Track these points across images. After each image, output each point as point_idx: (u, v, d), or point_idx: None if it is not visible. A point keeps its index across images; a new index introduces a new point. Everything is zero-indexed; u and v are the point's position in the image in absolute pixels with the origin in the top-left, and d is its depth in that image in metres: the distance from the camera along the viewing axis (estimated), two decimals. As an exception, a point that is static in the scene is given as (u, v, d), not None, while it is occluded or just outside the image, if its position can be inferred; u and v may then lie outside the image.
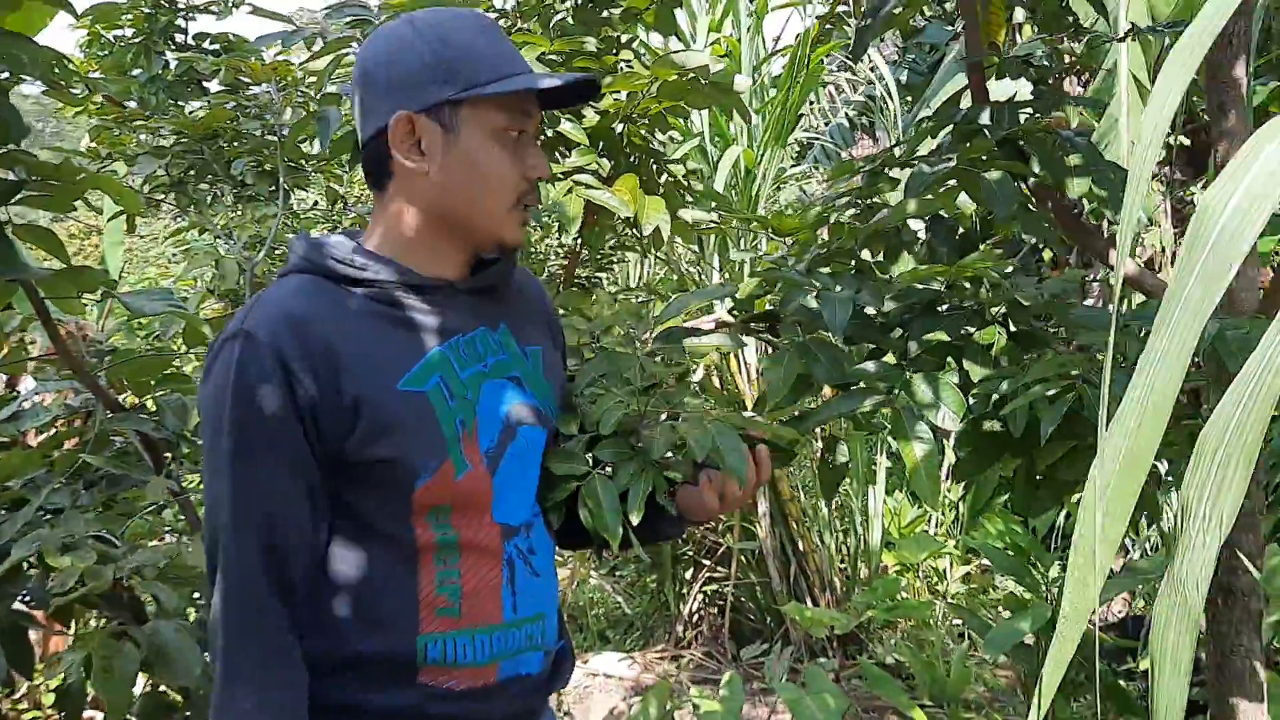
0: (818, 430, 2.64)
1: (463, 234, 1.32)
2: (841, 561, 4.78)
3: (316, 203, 3.58)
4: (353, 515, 1.26)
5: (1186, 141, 4.93)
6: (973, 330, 1.56)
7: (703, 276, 4.47)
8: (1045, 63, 1.89)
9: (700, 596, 4.83)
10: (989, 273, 1.52)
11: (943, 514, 5.22)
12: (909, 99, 6.21)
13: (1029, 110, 1.90)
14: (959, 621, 4.53)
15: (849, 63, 7.37)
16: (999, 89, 4.33)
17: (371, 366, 1.24)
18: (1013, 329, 1.55)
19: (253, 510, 1.21)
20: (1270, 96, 5.07)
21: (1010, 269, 1.55)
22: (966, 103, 1.96)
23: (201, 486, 1.28)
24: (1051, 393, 1.39)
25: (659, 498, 1.37)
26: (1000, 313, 1.56)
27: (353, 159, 1.81)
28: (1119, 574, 3.24)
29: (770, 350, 1.71)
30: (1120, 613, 4.03)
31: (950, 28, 7.00)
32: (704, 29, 4.12)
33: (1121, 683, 3.49)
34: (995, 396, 1.50)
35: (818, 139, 7.42)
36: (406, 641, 1.26)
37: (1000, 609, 4.77)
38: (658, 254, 4.25)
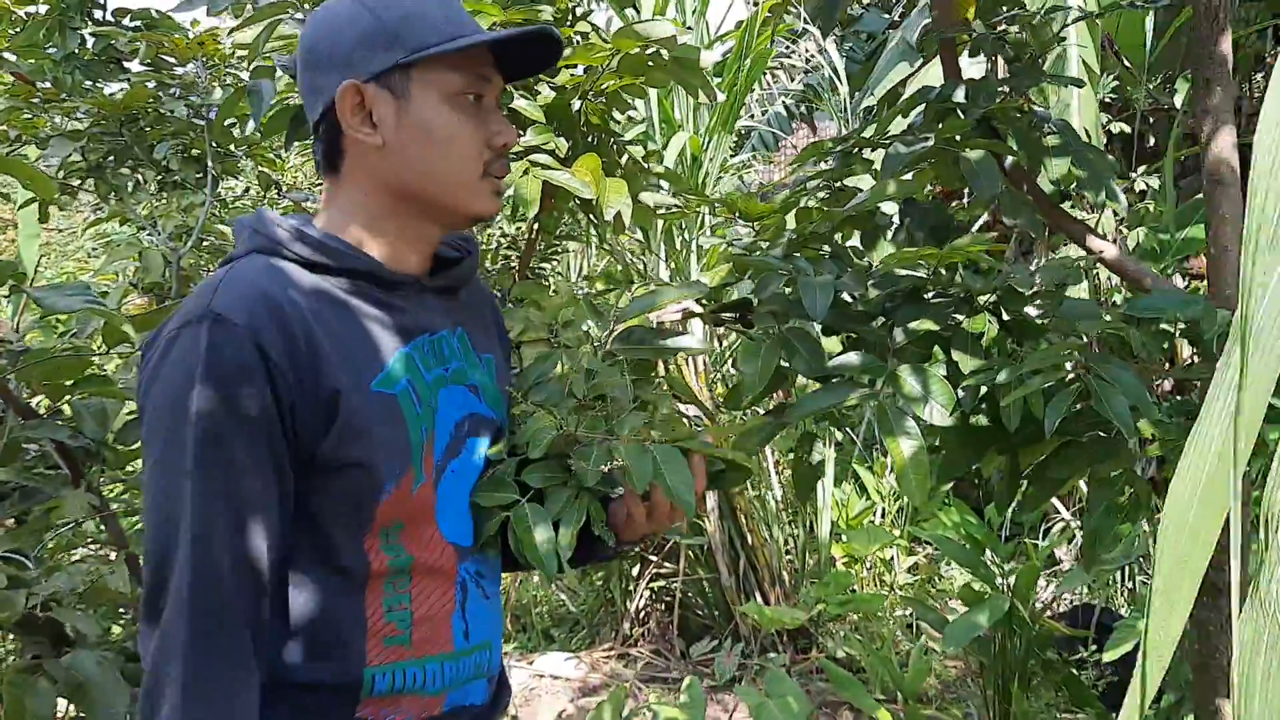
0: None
1: (429, 211, 1.23)
2: (789, 554, 4.73)
3: (248, 189, 3.40)
4: (310, 530, 1.14)
5: (1125, 128, 4.95)
6: (960, 319, 1.47)
7: (648, 266, 4.37)
8: (1021, 39, 1.81)
9: (647, 593, 4.75)
10: (981, 257, 1.43)
11: (888, 505, 5.20)
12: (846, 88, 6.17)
13: (1003, 89, 1.82)
14: (906, 612, 4.50)
15: (786, 51, 7.33)
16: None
17: (348, 361, 1.14)
18: (1005, 318, 1.47)
19: (223, 517, 1.05)
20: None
21: (1005, 252, 1.46)
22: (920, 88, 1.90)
23: (136, 494, 1.13)
24: (1048, 385, 1.31)
25: (594, 528, 1.26)
26: (990, 300, 1.47)
27: (288, 138, 1.67)
28: (1078, 565, 3.22)
29: (742, 342, 1.61)
30: (1071, 601, 4.03)
31: (887, 16, 6.99)
32: (649, 12, 4.02)
33: (1074, 672, 3.49)
34: (984, 390, 1.41)
35: (755, 127, 7.37)
36: (353, 673, 1.15)
37: (948, 599, 4.76)
38: (602, 244, 4.14)
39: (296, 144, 1.99)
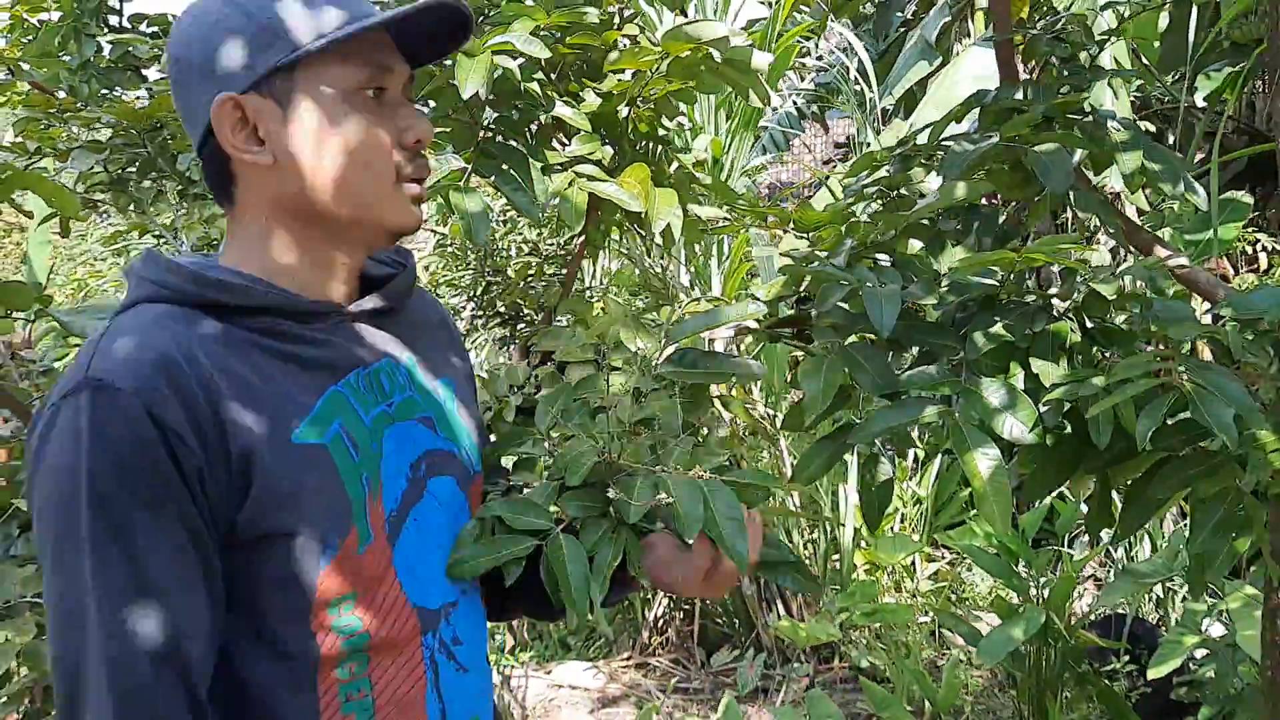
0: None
1: (341, 231, 1.07)
2: (809, 559, 4.66)
3: None
4: (245, 615, 0.99)
5: (1151, 128, 4.89)
6: (1038, 330, 1.39)
7: (666, 271, 4.31)
8: (1076, 38, 1.74)
9: (666, 601, 4.69)
10: (1065, 259, 1.35)
11: (909, 510, 5.14)
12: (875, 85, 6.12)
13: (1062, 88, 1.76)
14: (926, 619, 4.44)
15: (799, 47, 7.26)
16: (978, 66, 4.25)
17: (261, 416, 0.98)
18: (1088, 324, 1.39)
19: (135, 614, 0.90)
20: (1225, 83, 5.06)
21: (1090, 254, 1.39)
22: (941, 89, 1.83)
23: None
24: (1140, 394, 1.24)
25: (631, 569, 1.14)
26: (1071, 307, 1.40)
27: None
28: (1119, 577, 3.16)
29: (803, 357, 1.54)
30: (1102, 611, 3.97)
31: (900, 14, 6.92)
32: (668, 11, 3.96)
33: (1109, 683, 3.43)
34: (1068, 404, 1.34)
35: (767, 126, 7.30)
36: None
37: (971, 607, 4.69)
38: (619, 248, 4.07)
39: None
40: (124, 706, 0.90)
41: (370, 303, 1.12)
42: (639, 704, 4.22)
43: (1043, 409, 1.34)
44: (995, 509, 1.33)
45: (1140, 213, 4.22)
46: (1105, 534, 4.40)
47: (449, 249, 3.70)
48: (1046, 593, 3.42)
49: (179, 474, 0.93)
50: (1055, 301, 1.43)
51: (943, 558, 5.15)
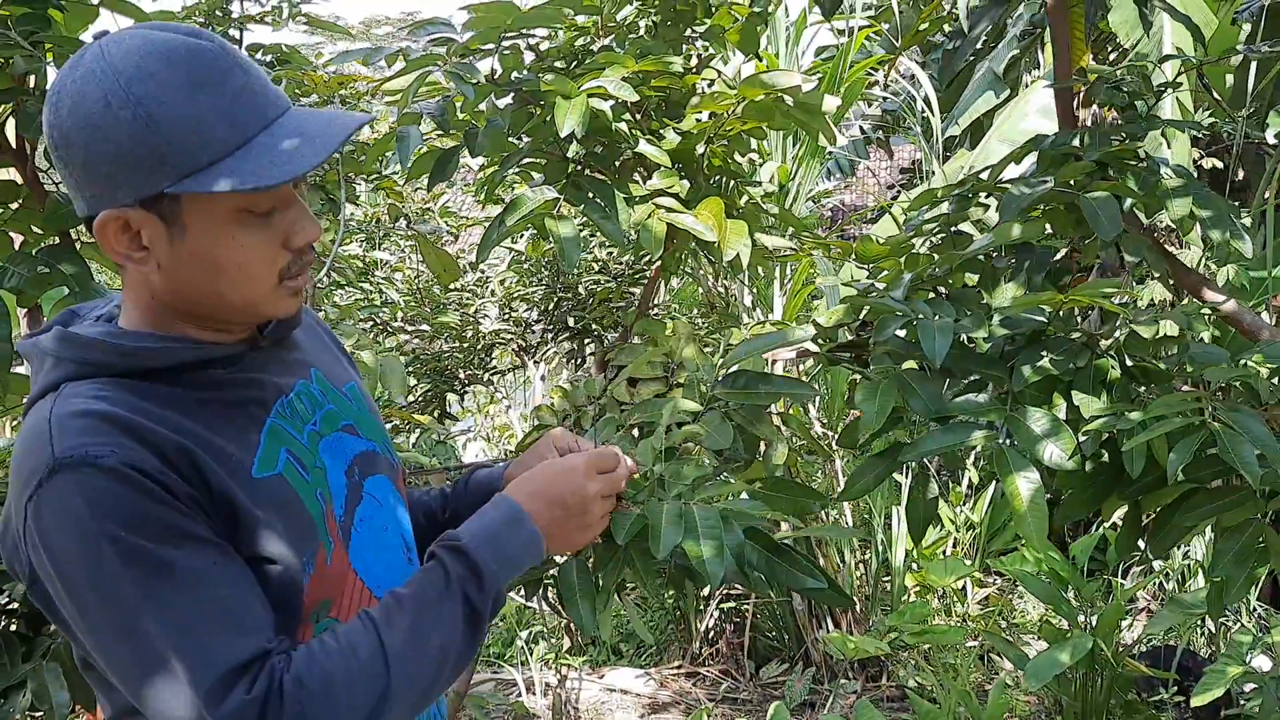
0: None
1: (222, 318, 1.09)
2: (859, 579, 4.73)
3: (377, 220, 3.51)
4: None
5: (1218, 164, 4.91)
6: (1081, 365, 1.51)
7: (729, 293, 4.42)
8: (1134, 87, 1.84)
9: (717, 613, 4.78)
10: (1106, 302, 1.47)
11: (961, 535, 5.18)
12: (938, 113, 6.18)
13: (1118, 135, 1.86)
14: (978, 642, 4.49)
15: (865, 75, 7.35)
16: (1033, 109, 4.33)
17: (222, 460, 1.02)
18: (1128, 363, 1.50)
19: (211, 628, 0.95)
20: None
21: (1129, 299, 1.50)
22: (1007, 122, 1.93)
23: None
24: (1173, 430, 1.34)
25: (641, 588, 1.32)
26: (1114, 345, 1.51)
27: (431, 181, 1.76)
28: (1166, 606, 3.20)
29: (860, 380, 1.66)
30: (1151, 640, 4.00)
31: (968, 45, 6.98)
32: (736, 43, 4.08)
33: (1155, 713, 3.46)
34: (1106, 435, 1.45)
35: (832, 152, 7.39)
36: None
37: (1021, 632, 4.73)
38: (685, 269, 4.20)
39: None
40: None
41: (272, 335, 1.14)
42: (688, 711, 4.33)
43: (1081, 438, 1.46)
44: (1033, 528, 1.44)
45: (1206, 245, 4.25)
46: (1158, 565, 4.44)
47: (523, 265, 3.89)
48: (1095, 620, 3.47)
49: (180, 505, 0.97)
50: (1099, 340, 1.54)
51: (994, 584, 5.19)
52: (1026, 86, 4.91)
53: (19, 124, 1.55)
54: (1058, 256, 1.83)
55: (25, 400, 1.06)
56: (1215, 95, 4.68)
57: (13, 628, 1.79)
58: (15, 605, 1.79)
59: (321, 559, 1.08)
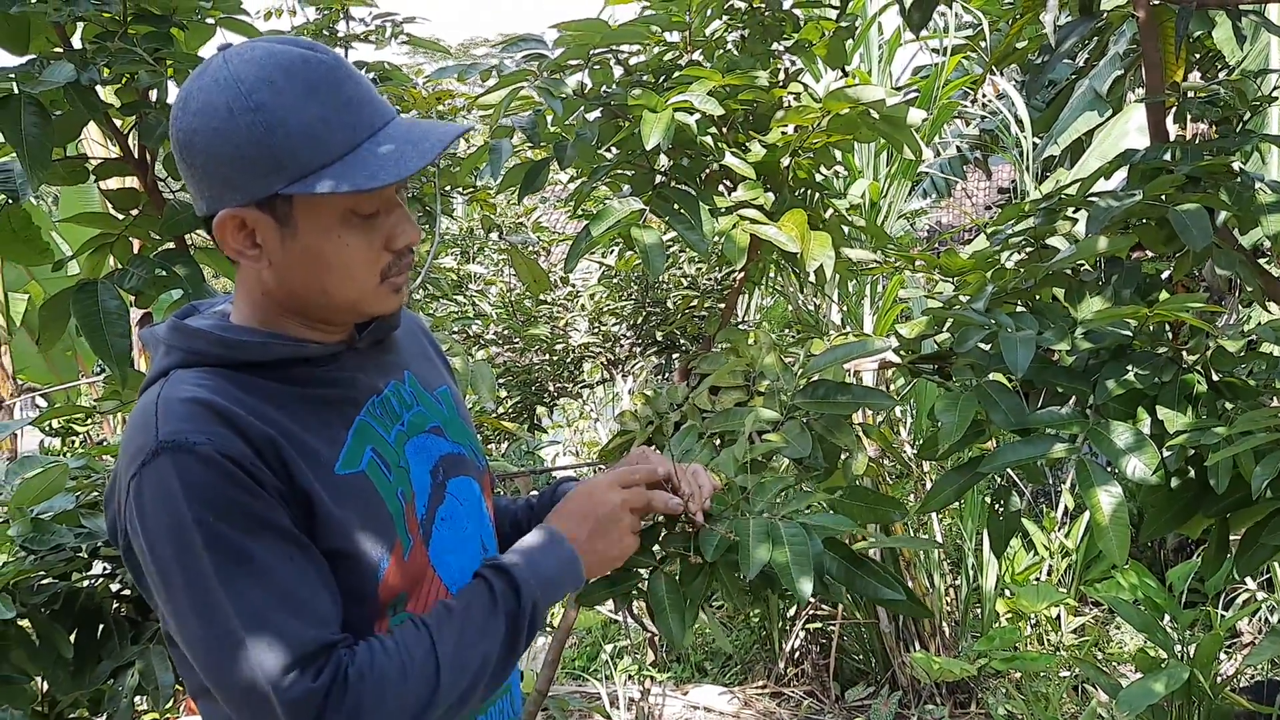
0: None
1: (328, 315, 1.16)
2: (950, 606, 4.66)
3: (471, 230, 3.62)
4: None
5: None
6: (1166, 379, 1.49)
7: (819, 309, 4.42)
8: (1229, 101, 1.81)
9: (803, 634, 4.75)
10: (1191, 316, 1.45)
11: (1056, 562, 5.06)
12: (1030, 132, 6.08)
13: (1211, 149, 1.83)
14: (1071, 673, 4.37)
15: (963, 95, 7.27)
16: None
17: (308, 455, 1.08)
18: (1215, 378, 1.48)
19: (280, 617, 1.01)
20: None
21: (1216, 313, 1.48)
22: (1106, 140, 1.90)
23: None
24: (1259, 446, 1.32)
25: (726, 601, 1.32)
26: (1199, 360, 1.49)
27: (521, 192, 1.82)
28: (1266, 637, 3.09)
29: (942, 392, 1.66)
30: (1253, 676, 3.85)
31: (1070, 61, 6.86)
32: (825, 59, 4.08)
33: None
34: (1191, 451, 1.43)
35: (929, 172, 7.32)
36: None
37: (1116, 664, 4.60)
38: (774, 286, 4.21)
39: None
40: (296, 709, 1.00)
41: (369, 339, 1.20)
42: (771, 730, 4.31)
43: (1166, 453, 1.44)
44: (1114, 543, 1.43)
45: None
46: (1261, 595, 4.27)
47: (613, 280, 3.94)
48: (1193, 650, 3.36)
49: (266, 496, 1.03)
50: (1185, 354, 1.52)
51: (1090, 613, 5.06)
52: (1130, 104, 4.81)
53: (141, 134, 1.66)
54: (1163, 276, 1.81)
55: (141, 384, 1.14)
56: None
57: (123, 612, 1.89)
58: (126, 591, 1.89)
59: (398, 555, 1.13)
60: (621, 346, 4.19)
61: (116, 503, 1.08)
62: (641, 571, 1.33)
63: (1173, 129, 2.19)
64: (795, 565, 1.25)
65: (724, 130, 1.85)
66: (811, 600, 4.63)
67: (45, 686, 1.92)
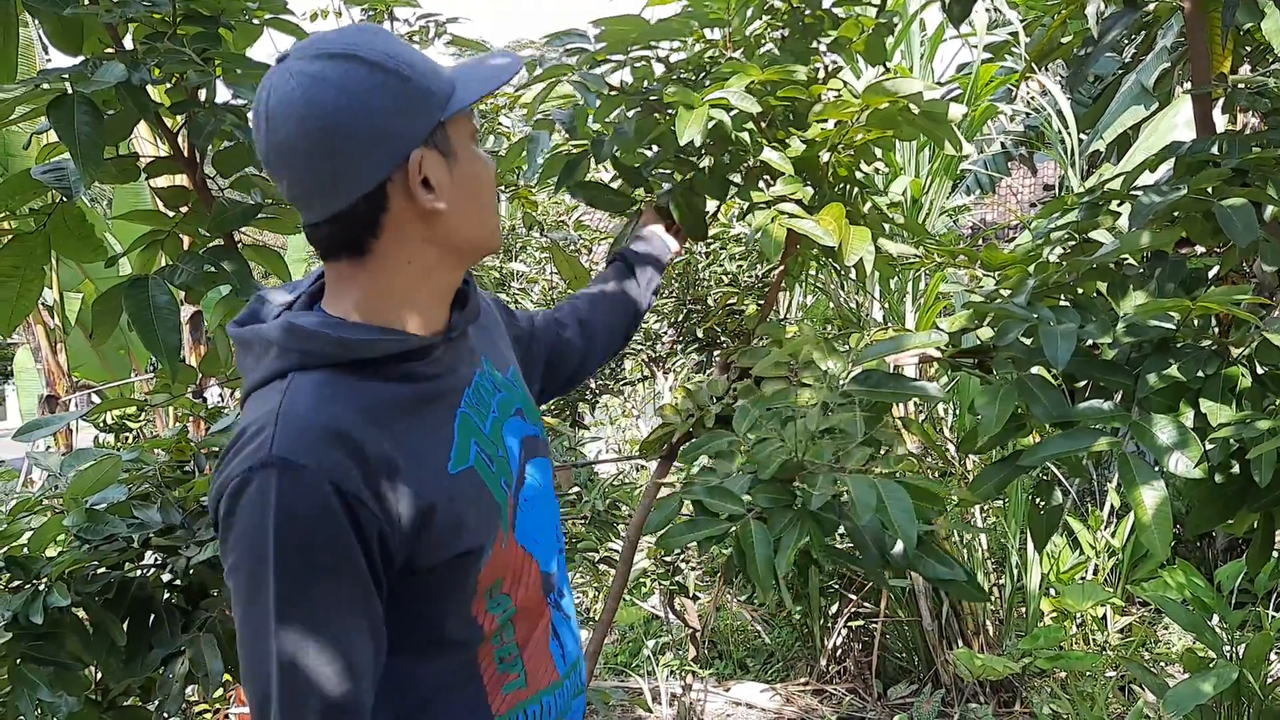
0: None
1: (465, 258, 1.19)
2: (994, 605, 4.62)
3: (513, 227, 3.65)
4: (417, 617, 1.12)
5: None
6: (1210, 373, 1.47)
7: (860, 307, 4.40)
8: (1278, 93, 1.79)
9: (845, 631, 4.74)
10: (1237, 309, 1.43)
11: (1101, 561, 5.01)
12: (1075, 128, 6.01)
13: (1258, 143, 1.80)
14: (1117, 673, 4.32)
15: (1007, 91, 7.19)
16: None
17: (425, 462, 1.09)
18: (1260, 371, 1.46)
19: (309, 663, 1.01)
20: None
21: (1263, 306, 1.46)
22: (1154, 135, 1.87)
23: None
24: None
25: (813, 551, 1.33)
26: (1245, 354, 1.47)
27: (559, 183, 1.84)
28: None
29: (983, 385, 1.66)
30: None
31: (1116, 56, 6.77)
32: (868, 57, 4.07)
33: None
34: (1235, 444, 1.41)
35: (972, 169, 7.25)
36: None
37: (1163, 664, 4.54)
38: (815, 283, 4.20)
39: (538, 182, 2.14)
40: None
41: (461, 323, 1.21)
42: (812, 728, 4.30)
43: (1209, 447, 1.42)
44: (1157, 539, 1.41)
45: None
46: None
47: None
48: (1242, 651, 3.32)
49: (360, 539, 1.02)
50: (1231, 348, 1.50)
51: (1136, 613, 5.00)
52: (1177, 98, 4.74)
53: (190, 133, 1.69)
54: (1212, 273, 1.79)
55: (248, 381, 1.12)
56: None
57: (173, 601, 1.93)
58: (177, 581, 1.93)
59: (499, 543, 1.15)
60: (662, 343, 4.21)
61: (218, 490, 1.07)
62: (724, 522, 1.34)
63: (1223, 122, 2.16)
64: (902, 515, 1.27)
65: (763, 126, 1.85)
66: (852, 598, 4.63)
67: (99, 675, 1.97)
